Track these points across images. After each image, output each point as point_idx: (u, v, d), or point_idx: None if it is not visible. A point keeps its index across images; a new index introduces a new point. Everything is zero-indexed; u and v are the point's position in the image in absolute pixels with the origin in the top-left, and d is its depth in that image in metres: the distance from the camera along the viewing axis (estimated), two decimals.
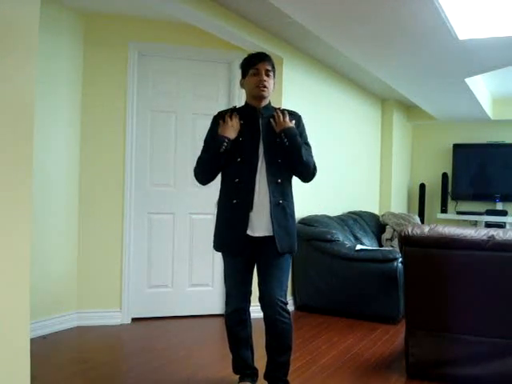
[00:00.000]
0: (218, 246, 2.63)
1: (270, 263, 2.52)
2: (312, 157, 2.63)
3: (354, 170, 6.13)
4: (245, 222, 2.49)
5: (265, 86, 2.52)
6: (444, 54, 4.04)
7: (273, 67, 2.57)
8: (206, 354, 3.38)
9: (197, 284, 4.28)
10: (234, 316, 2.64)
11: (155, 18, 4.02)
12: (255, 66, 2.52)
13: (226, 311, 2.69)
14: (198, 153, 2.64)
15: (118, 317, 4.00)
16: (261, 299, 2.54)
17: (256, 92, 2.53)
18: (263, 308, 2.54)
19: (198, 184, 2.67)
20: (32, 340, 2.46)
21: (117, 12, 3.91)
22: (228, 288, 2.65)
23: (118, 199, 4.00)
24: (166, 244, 4.21)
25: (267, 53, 2.63)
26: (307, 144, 2.65)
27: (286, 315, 2.52)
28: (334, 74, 5.52)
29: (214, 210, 2.68)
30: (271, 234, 2.49)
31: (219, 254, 2.68)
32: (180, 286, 4.25)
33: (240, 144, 2.53)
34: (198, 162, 2.62)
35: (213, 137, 2.56)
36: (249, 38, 3.87)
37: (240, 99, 4.18)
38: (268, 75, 2.53)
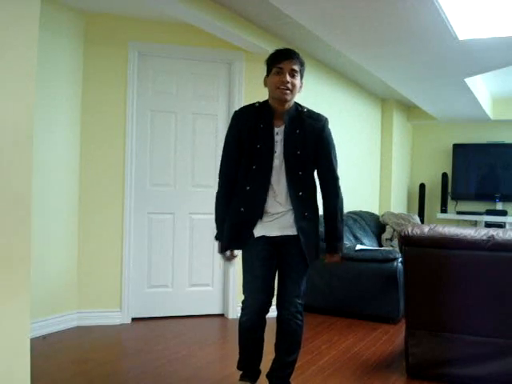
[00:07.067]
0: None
1: (291, 265, 2.49)
2: (341, 193, 2.64)
3: (353, 170, 6.12)
4: (245, 234, 2.43)
5: (287, 89, 2.29)
6: (444, 53, 4.04)
7: (301, 65, 2.35)
8: (206, 354, 3.38)
9: (197, 284, 4.28)
10: (249, 325, 2.53)
11: (155, 18, 4.01)
12: (279, 64, 2.30)
13: (240, 317, 2.57)
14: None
15: (117, 317, 4.00)
16: (278, 298, 2.53)
17: (277, 95, 2.33)
18: (278, 307, 2.53)
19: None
20: (32, 340, 2.46)
21: (117, 12, 3.91)
22: (246, 294, 2.53)
23: (118, 199, 4.00)
24: (166, 244, 4.21)
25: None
26: (334, 171, 2.56)
27: (300, 317, 2.51)
28: (334, 74, 5.52)
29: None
30: (291, 233, 2.44)
31: (219, 254, 2.66)
32: (180, 286, 4.25)
33: (257, 151, 2.40)
34: (216, 197, 2.56)
35: (225, 168, 2.51)
36: (249, 38, 3.87)
37: (240, 100, 4.18)
38: (293, 76, 2.30)
